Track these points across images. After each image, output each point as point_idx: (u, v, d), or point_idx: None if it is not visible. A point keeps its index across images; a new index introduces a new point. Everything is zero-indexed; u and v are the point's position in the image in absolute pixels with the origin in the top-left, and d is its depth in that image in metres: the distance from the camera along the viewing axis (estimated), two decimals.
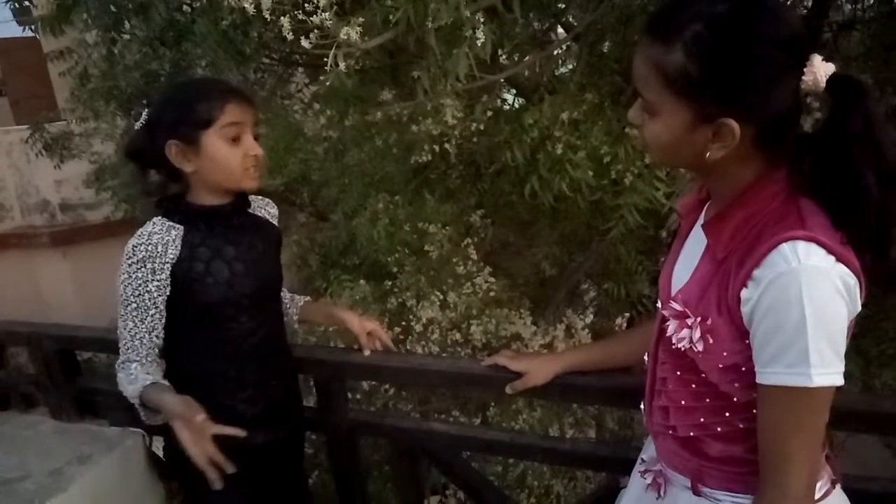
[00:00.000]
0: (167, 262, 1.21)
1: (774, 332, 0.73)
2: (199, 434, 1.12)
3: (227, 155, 1.21)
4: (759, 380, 0.77)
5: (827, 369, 0.72)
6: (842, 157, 0.72)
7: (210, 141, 1.20)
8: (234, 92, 1.23)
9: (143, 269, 1.20)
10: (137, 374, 1.24)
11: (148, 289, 1.22)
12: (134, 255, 1.20)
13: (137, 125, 1.26)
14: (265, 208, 1.42)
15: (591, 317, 2.78)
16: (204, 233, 1.26)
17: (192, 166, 1.23)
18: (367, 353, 1.49)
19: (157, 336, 1.26)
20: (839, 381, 0.73)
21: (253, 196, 1.39)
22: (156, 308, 1.23)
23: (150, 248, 1.20)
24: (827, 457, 0.89)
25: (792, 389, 0.73)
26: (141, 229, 1.23)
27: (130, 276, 1.21)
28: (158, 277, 1.21)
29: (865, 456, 2.52)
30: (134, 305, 1.22)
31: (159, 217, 1.25)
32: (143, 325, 1.24)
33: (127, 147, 1.28)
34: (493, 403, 2.67)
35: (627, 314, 2.86)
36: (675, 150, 0.79)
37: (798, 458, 0.76)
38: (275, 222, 1.43)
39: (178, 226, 1.24)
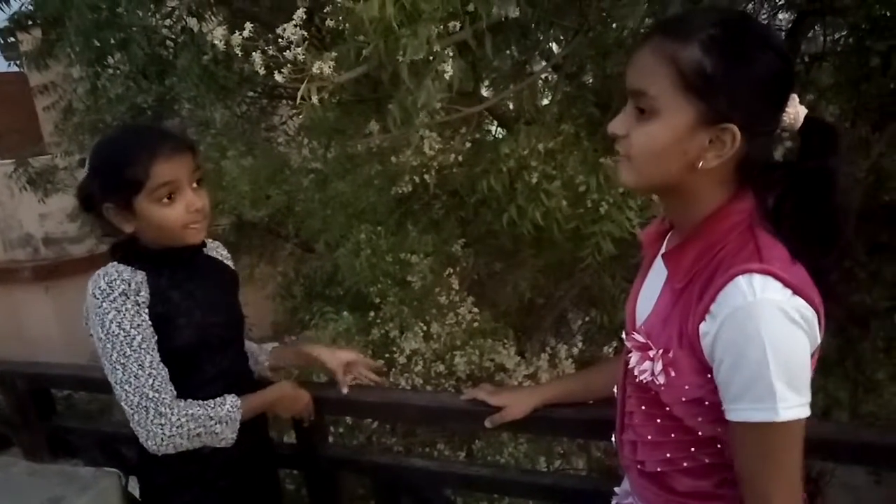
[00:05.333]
0: (142, 303, 1.16)
1: (737, 369, 0.73)
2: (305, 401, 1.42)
3: (164, 216, 1.15)
4: (727, 417, 0.76)
5: (793, 402, 0.71)
6: (819, 189, 0.75)
7: (143, 206, 1.14)
8: (161, 147, 1.13)
9: (128, 302, 1.13)
10: (204, 407, 1.17)
11: (144, 319, 1.14)
12: (112, 290, 1.13)
13: (84, 172, 1.20)
14: (217, 250, 1.37)
15: (579, 345, 2.76)
16: (168, 276, 1.20)
17: (132, 227, 1.17)
18: (344, 390, 1.42)
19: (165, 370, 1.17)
20: (805, 412, 0.73)
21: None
22: (155, 340, 1.16)
23: (125, 286, 1.14)
24: (811, 494, 0.88)
25: (760, 425, 0.73)
26: (103, 270, 1.16)
27: (119, 311, 1.12)
28: (143, 313, 1.15)
29: (855, 482, 2.51)
30: (139, 339, 1.13)
31: (116, 262, 1.17)
32: (156, 357, 1.15)
33: (76, 195, 1.21)
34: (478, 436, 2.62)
35: (615, 343, 2.84)
36: (665, 157, 0.76)
37: (778, 495, 0.75)
38: (230, 264, 1.39)
39: (139, 271, 1.17)
